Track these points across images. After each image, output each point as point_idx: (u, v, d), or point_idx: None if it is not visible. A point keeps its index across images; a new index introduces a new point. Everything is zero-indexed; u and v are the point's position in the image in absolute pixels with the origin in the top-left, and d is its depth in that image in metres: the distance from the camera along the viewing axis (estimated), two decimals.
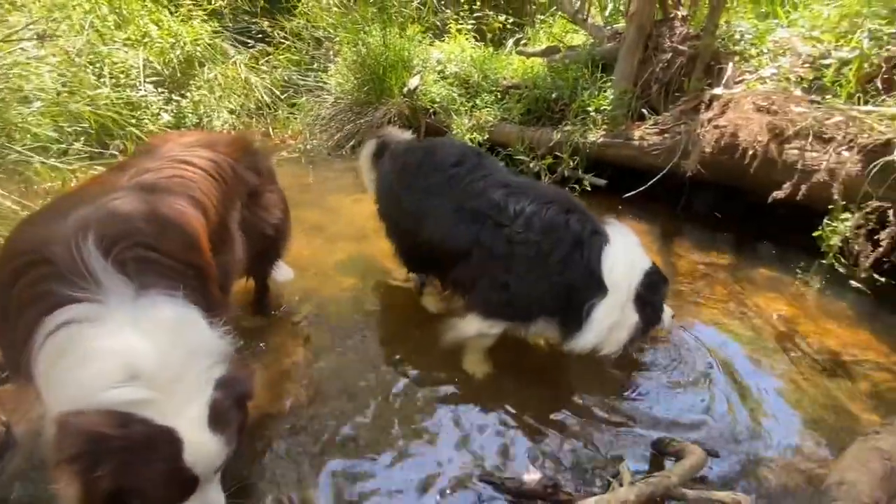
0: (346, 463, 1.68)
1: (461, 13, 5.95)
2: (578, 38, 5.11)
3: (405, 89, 4.97)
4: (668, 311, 2.07)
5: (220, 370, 1.15)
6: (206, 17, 5.64)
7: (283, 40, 5.93)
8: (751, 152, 2.99)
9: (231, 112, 5.48)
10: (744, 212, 3.39)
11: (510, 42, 5.75)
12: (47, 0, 4.55)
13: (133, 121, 4.38)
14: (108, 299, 1.11)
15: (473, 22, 5.87)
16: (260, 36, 6.04)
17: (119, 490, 1.00)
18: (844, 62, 3.18)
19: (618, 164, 3.75)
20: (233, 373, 1.17)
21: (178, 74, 5.24)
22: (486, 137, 4.47)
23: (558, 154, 3.93)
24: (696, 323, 2.48)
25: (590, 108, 3.95)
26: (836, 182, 2.72)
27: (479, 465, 1.67)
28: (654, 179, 3.39)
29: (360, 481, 1.61)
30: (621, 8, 4.74)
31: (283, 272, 2.43)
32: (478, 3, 6.18)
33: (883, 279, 2.61)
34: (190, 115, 5.12)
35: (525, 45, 5.62)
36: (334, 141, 5.06)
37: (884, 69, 3.05)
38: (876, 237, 2.60)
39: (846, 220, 2.70)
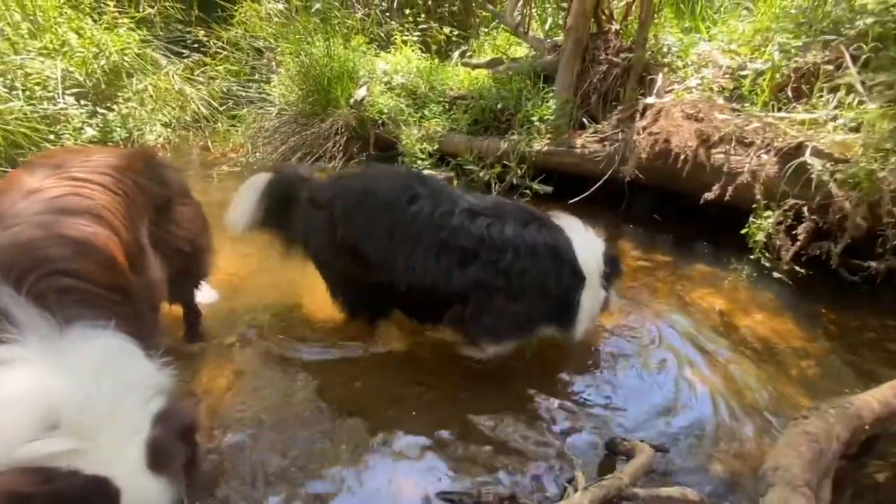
0: (296, 492, 1.59)
1: (406, 25, 5.98)
2: (521, 51, 5.26)
3: (352, 100, 4.91)
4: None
5: (158, 404, 1.05)
6: (133, 26, 5.32)
7: (220, 50, 5.70)
8: (682, 157, 3.19)
9: (165, 125, 5.19)
10: (680, 213, 3.60)
11: (456, 54, 5.84)
12: None
13: (51, 136, 4.04)
14: (27, 338, 1.00)
15: (419, 34, 5.92)
16: (195, 46, 5.78)
17: None
18: (759, 73, 3.47)
19: (562, 171, 3.88)
20: (173, 405, 1.07)
21: (104, 86, 4.90)
22: (435, 147, 4.50)
23: (506, 163, 4.01)
24: (642, 320, 2.58)
25: (534, 118, 4.06)
26: (757, 183, 2.94)
27: (435, 481, 1.63)
28: (597, 185, 3.53)
29: None
30: (560, 22, 4.94)
31: (205, 294, 2.27)
32: (422, 16, 6.24)
33: (802, 270, 2.84)
34: (118, 129, 4.79)
35: (470, 56, 5.72)
36: (279, 153, 4.90)
37: (793, 79, 3.36)
38: (794, 232, 2.83)
39: (768, 217, 2.92)
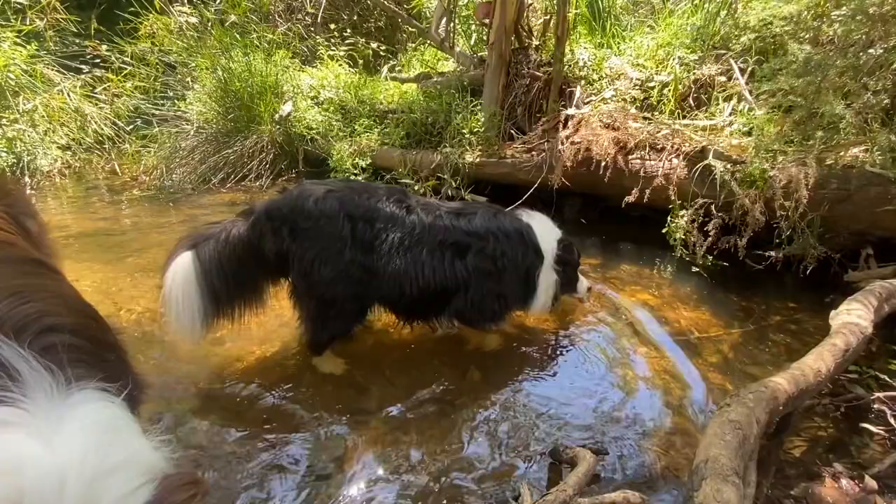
0: None
1: (332, 40, 5.88)
2: (448, 65, 5.35)
3: (277, 116, 4.72)
4: (583, 282, 2.55)
5: (144, 494, 0.86)
6: (20, 40, 4.77)
7: (124, 65, 5.25)
8: (603, 164, 3.36)
9: (63, 148, 4.68)
10: (604, 216, 3.79)
11: (384, 68, 5.82)
12: None
13: None
14: (27, 399, 0.84)
15: (345, 48, 5.84)
16: (96, 61, 5.29)
17: None
18: (664, 84, 3.77)
19: (495, 180, 3.95)
20: (162, 495, 0.87)
21: None
22: (368, 162, 4.42)
23: (441, 175, 4.02)
24: (575, 321, 2.65)
25: (464, 131, 4.12)
26: (671, 185, 3.16)
27: None
28: (528, 193, 3.62)
29: None
30: (483, 38, 5.08)
31: None
32: (349, 31, 6.18)
33: (716, 263, 3.07)
34: (4, 153, 4.24)
35: (399, 71, 5.73)
36: (198, 174, 4.58)
37: (693, 89, 3.68)
38: (705, 229, 3.07)
39: (683, 216, 3.15)
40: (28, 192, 4.30)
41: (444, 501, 1.59)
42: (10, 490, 0.76)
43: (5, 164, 4.30)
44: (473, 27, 5.48)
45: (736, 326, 2.65)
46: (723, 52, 3.69)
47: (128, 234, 3.68)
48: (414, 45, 6.29)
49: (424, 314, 2.30)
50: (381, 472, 1.71)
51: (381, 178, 4.36)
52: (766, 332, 2.61)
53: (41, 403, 0.87)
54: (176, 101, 5.12)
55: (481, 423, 1.95)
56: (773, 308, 2.83)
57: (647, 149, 3.35)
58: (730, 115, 3.41)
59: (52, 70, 4.86)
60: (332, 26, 6.15)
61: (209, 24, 4.94)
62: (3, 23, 4.79)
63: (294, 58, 5.30)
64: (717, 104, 3.54)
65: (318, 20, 6.23)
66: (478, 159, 3.95)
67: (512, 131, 4.11)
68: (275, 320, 2.42)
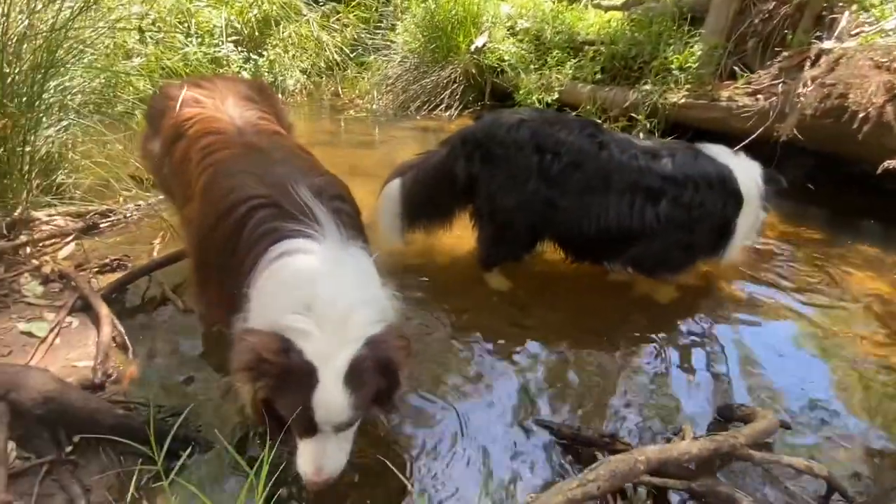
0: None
1: None
2: None
3: (472, 47, 4.86)
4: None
5: (375, 329, 1.17)
6: None
7: None
8: (861, 115, 2.66)
9: (303, 72, 5.67)
10: (841, 184, 3.06)
11: None
12: None
13: None
14: (324, 239, 1.24)
15: None
16: None
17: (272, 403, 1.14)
18: None
19: (700, 126, 3.49)
20: (385, 336, 1.17)
21: (256, 33, 5.45)
22: (555, 97, 4.32)
23: (633, 115, 3.72)
24: (775, 292, 2.33)
25: (672, 66, 3.67)
26: None
27: (534, 413, 1.70)
28: (742, 144, 3.11)
29: (415, 426, 1.63)
30: None
31: None
32: None
33: None
34: (266, 73, 5.35)
35: None
36: (399, 102, 5.10)
37: None
38: None
39: None
40: None
41: (602, 428, 1.68)
42: (309, 292, 1.14)
43: (267, 81, 5.42)
44: None
45: None
46: None
47: (343, 148, 4.40)
48: None
49: (597, 256, 2.28)
50: (531, 381, 1.84)
51: None
52: None
53: (333, 245, 1.24)
54: (387, 31, 5.65)
55: (638, 369, 1.92)
56: None
57: None
58: None
59: (302, 2, 5.78)
60: None
61: None
62: None
63: None
64: None
65: None
66: (683, 100, 3.51)
67: (735, 68, 3.49)
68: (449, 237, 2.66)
